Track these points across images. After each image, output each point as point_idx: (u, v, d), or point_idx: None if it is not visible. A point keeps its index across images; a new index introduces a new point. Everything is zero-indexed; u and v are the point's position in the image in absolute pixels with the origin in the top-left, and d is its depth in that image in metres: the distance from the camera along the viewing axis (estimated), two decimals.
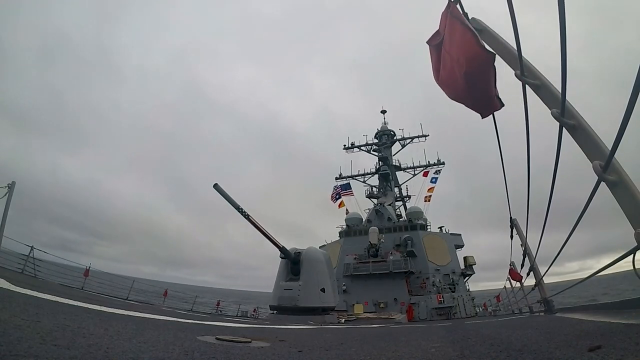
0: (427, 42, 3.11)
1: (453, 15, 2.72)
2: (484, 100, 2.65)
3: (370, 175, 34.48)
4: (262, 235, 12.51)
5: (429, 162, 33.36)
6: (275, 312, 12.45)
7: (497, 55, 2.64)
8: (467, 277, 26.83)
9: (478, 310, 22.81)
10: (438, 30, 2.97)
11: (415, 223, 28.06)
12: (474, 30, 2.54)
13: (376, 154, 34.81)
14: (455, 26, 2.65)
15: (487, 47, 2.50)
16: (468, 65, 2.50)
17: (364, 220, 29.51)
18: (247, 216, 12.51)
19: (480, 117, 2.89)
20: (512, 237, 8.86)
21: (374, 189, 33.42)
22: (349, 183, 32.19)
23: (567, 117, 2.20)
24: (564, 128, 2.24)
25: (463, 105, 2.95)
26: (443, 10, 2.88)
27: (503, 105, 2.70)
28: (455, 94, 2.87)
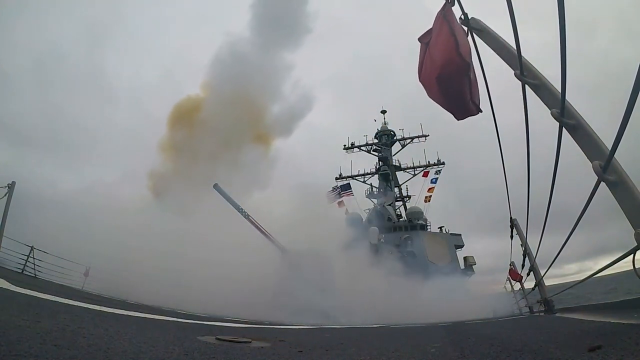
0: (418, 39, 3.13)
1: (445, 17, 2.74)
2: (459, 104, 2.72)
3: (370, 175, 34.44)
4: (263, 236, 12.51)
5: (429, 162, 33.33)
6: (275, 312, 12.46)
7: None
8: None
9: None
10: (430, 28, 2.98)
11: (415, 223, 28.03)
12: (457, 36, 2.57)
13: (376, 154, 34.77)
14: (443, 29, 2.68)
15: (464, 55, 2.54)
16: (442, 69, 2.57)
17: (364, 220, 29.48)
18: (247, 216, 12.52)
19: (456, 120, 2.95)
20: (512, 237, 8.85)
21: (374, 189, 33.38)
22: (349, 183, 32.14)
23: (567, 117, 2.20)
24: (564, 128, 2.24)
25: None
26: (439, 9, 2.88)
27: (480, 111, 2.77)
28: (433, 94, 2.92)
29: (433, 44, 2.76)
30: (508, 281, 11.63)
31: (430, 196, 31.50)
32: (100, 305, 4.84)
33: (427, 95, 3.03)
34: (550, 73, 2.41)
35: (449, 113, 3.06)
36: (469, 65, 2.51)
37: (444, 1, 2.88)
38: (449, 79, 2.58)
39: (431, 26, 3.00)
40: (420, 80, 3.03)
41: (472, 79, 2.61)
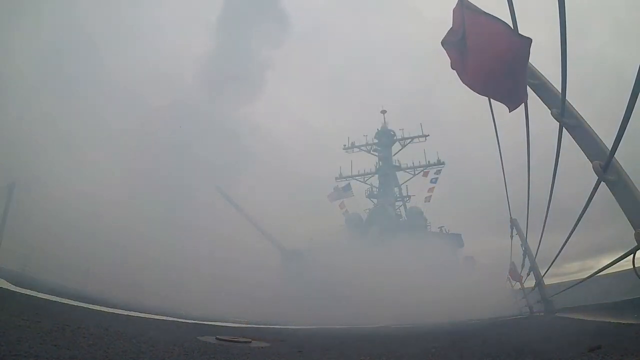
0: (442, 43, 3.00)
1: (470, 8, 2.64)
2: (517, 92, 2.55)
3: (370, 176, 34.41)
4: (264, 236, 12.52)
5: (429, 162, 33.30)
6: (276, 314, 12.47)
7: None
8: None
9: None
10: (452, 28, 2.88)
11: (416, 223, 28.00)
12: (500, 19, 2.44)
13: (376, 154, 34.75)
14: (478, 19, 2.55)
15: (520, 33, 2.39)
16: (507, 54, 2.38)
17: (364, 220, 29.48)
18: (247, 217, 12.52)
19: (508, 111, 2.77)
20: (512, 237, 8.86)
21: (374, 189, 33.35)
22: (349, 183, 32.11)
23: (567, 117, 2.20)
24: (564, 128, 2.24)
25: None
26: (454, 7, 2.81)
27: (527, 96, 2.59)
28: (488, 88, 2.73)
29: (477, 36, 2.57)
30: (508, 281, 11.63)
31: (430, 196, 31.47)
32: (100, 305, 4.83)
33: (477, 94, 2.85)
34: (550, 73, 2.40)
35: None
36: (530, 40, 2.35)
37: None
38: (517, 62, 2.41)
39: (451, 26, 2.88)
40: (464, 81, 2.86)
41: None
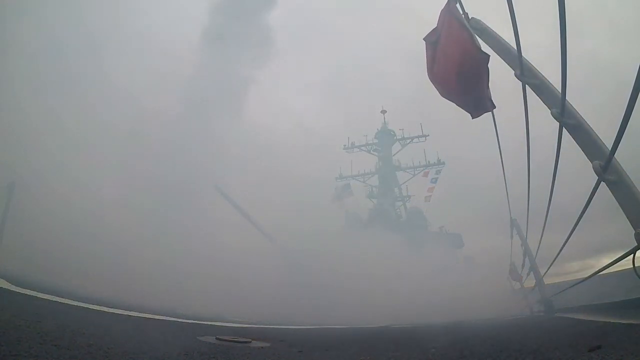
0: (424, 39, 3.07)
1: (452, 13, 2.70)
2: (476, 101, 2.63)
3: (370, 176, 34.43)
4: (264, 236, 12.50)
5: (428, 162, 33.30)
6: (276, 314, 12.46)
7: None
8: None
9: None
10: (436, 27, 2.94)
11: (416, 223, 28.01)
12: (470, 30, 2.52)
13: (376, 154, 34.76)
14: (453, 24, 2.62)
15: (482, 48, 2.47)
16: (462, 64, 2.46)
17: (364, 220, 29.47)
18: (248, 217, 12.52)
19: (471, 117, 2.84)
20: (512, 237, 8.87)
21: (374, 189, 33.36)
22: (349, 184, 32.11)
23: (567, 117, 2.20)
24: (564, 128, 2.24)
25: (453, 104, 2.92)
26: (442, 7, 2.86)
27: (494, 107, 2.65)
28: (447, 92, 2.82)
29: (446, 40, 2.66)
30: (508, 281, 11.64)
31: (430, 196, 31.50)
32: (100, 305, 4.83)
33: (439, 94, 2.92)
34: (550, 73, 2.41)
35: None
36: (488, 57, 2.41)
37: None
38: (469, 73, 2.48)
39: (435, 25, 2.95)
40: (431, 79, 2.93)
41: (489, 72, 2.51)
